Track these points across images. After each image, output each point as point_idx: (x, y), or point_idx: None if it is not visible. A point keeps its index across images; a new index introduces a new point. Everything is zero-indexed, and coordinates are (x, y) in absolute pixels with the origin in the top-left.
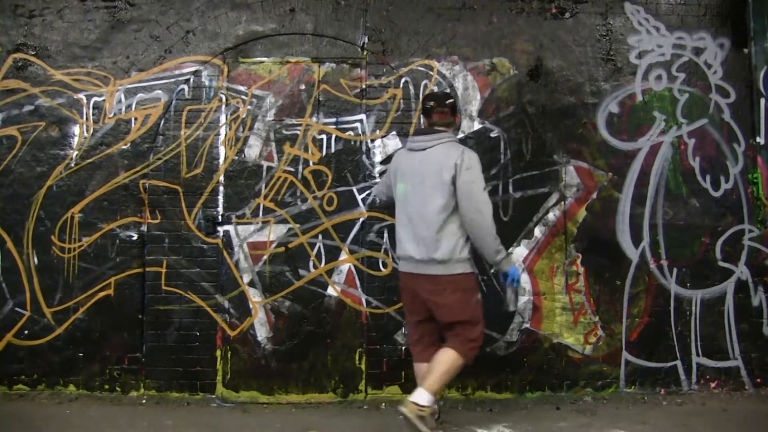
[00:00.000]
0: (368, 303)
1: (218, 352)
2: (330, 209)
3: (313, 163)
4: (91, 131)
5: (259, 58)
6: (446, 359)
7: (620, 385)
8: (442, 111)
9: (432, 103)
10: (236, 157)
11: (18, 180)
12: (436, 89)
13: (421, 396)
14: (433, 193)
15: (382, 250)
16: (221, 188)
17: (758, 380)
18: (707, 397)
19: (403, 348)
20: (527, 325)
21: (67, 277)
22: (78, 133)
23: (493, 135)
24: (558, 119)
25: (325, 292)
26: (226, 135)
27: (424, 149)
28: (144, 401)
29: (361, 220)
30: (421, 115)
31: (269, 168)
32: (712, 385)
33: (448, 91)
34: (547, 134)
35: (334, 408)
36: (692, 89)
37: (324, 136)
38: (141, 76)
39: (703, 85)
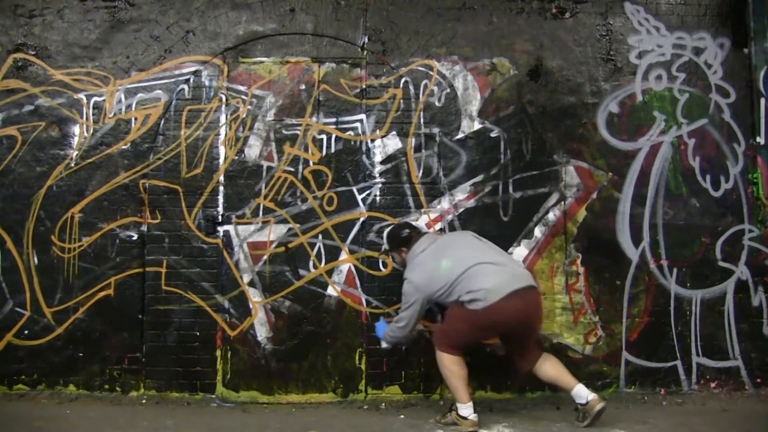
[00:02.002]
0: (368, 303)
1: (218, 352)
2: (330, 209)
3: (313, 163)
4: (91, 131)
5: (259, 58)
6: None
7: (620, 385)
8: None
9: (408, 231)
10: (236, 157)
11: (18, 180)
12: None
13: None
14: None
15: (382, 250)
16: (221, 188)
17: (758, 380)
18: (707, 397)
19: (404, 348)
20: None
21: (67, 277)
22: (78, 133)
23: (493, 135)
24: (558, 119)
25: (325, 292)
26: (226, 135)
27: None
28: (144, 401)
29: (361, 220)
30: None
31: (269, 168)
32: (712, 385)
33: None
34: (547, 134)
35: (334, 408)
36: (692, 89)
37: (324, 136)
38: (141, 76)
39: (703, 85)
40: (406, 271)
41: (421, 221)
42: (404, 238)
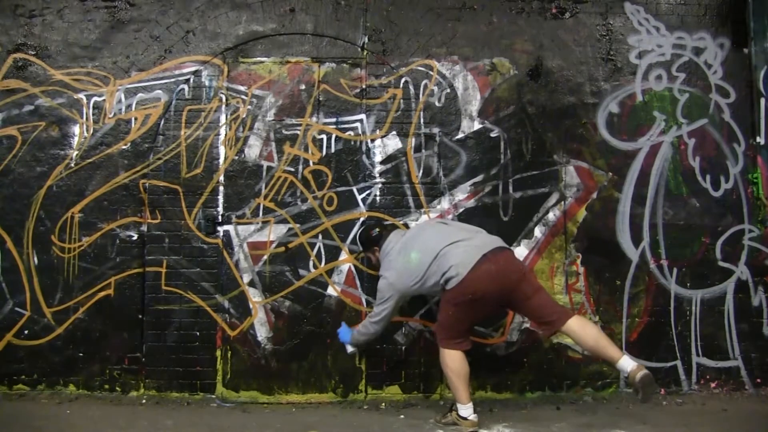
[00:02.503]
0: (368, 303)
1: (218, 352)
2: (330, 209)
3: (313, 163)
4: (91, 131)
5: (259, 58)
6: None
7: (620, 385)
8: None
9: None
10: (236, 157)
11: (18, 180)
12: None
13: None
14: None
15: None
16: (221, 188)
17: (758, 380)
18: (707, 397)
19: (403, 348)
20: (527, 326)
21: (67, 277)
22: (78, 133)
23: (493, 135)
24: (558, 119)
25: (325, 292)
26: (226, 135)
27: None
28: (144, 401)
29: (361, 220)
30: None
31: (269, 168)
32: (712, 385)
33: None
34: (547, 134)
35: (334, 408)
36: (692, 89)
37: (324, 136)
38: (141, 76)
39: (703, 85)
40: (381, 269)
41: (421, 221)
42: (374, 238)
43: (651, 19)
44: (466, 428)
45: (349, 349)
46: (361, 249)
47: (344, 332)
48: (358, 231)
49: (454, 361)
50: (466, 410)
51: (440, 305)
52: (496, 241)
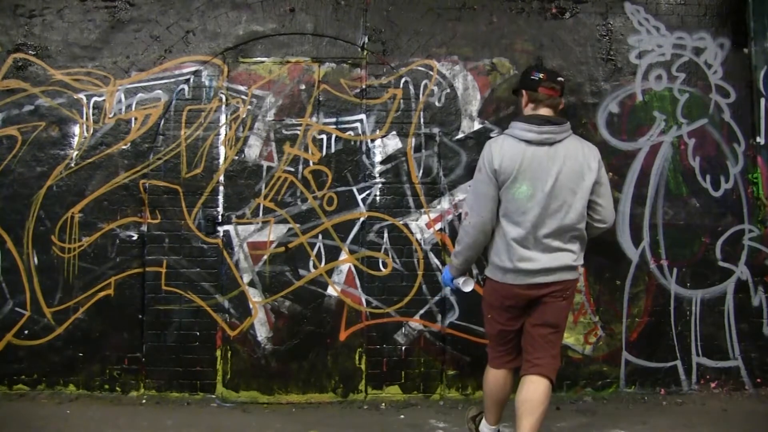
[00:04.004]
0: (368, 303)
1: (218, 352)
2: (330, 209)
3: (313, 163)
4: (91, 131)
5: (259, 58)
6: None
7: (620, 385)
8: (552, 87)
9: (541, 75)
10: (236, 157)
11: (18, 180)
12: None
13: None
14: (575, 198)
15: (382, 250)
16: (221, 188)
17: (758, 380)
18: (707, 397)
19: (403, 348)
20: None
21: (67, 277)
22: (78, 133)
23: (493, 135)
24: None
25: (325, 292)
26: (226, 135)
27: (552, 143)
28: (144, 401)
29: (361, 220)
30: (523, 92)
31: (269, 168)
32: (712, 385)
33: (551, 68)
34: None
35: (334, 408)
36: (692, 89)
37: (324, 136)
38: (141, 76)
39: (703, 85)
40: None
41: (421, 221)
42: (532, 82)
43: (651, 19)
44: None
45: (465, 286)
46: (545, 75)
47: (445, 274)
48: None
49: (486, 374)
50: (487, 429)
51: (571, 301)
52: None
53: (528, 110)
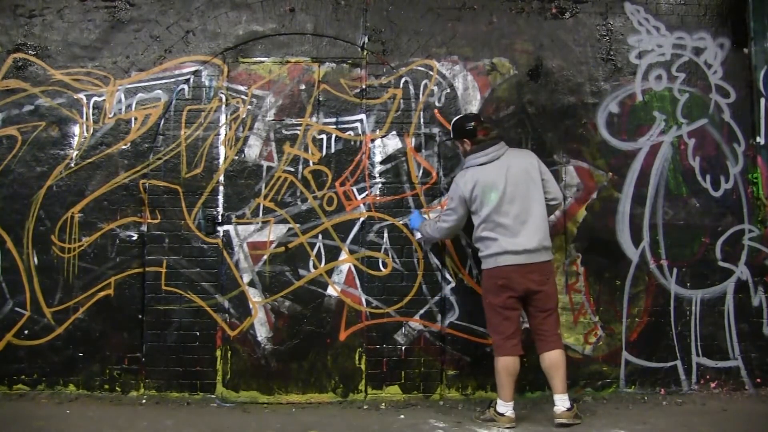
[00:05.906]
0: (368, 303)
1: (218, 352)
2: (330, 209)
3: (313, 163)
4: (91, 131)
5: (259, 58)
6: (563, 359)
7: (620, 385)
8: (485, 128)
9: (473, 123)
10: (236, 157)
11: (18, 180)
12: (467, 111)
13: (567, 400)
14: (533, 189)
15: (382, 250)
16: (221, 188)
17: (758, 380)
18: (707, 397)
19: (403, 348)
20: (527, 325)
21: (67, 277)
22: (78, 133)
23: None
24: (558, 119)
25: (325, 292)
26: (226, 135)
27: (496, 159)
28: (144, 401)
29: (361, 220)
30: (464, 139)
31: (269, 168)
32: (712, 385)
33: (474, 112)
34: (547, 134)
35: (334, 408)
36: (692, 89)
37: (324, 136)
38: (141, 76)
39: (703, 85)
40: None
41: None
42: (469, 131)
43: (651, 19)
44: (503, 423)
45: (417, 235)
46: (451, 136)
47: (415, 217)
48: (453, 120)
49: (498, 361)
50: (504, 407)
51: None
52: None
53: (473, 149)
